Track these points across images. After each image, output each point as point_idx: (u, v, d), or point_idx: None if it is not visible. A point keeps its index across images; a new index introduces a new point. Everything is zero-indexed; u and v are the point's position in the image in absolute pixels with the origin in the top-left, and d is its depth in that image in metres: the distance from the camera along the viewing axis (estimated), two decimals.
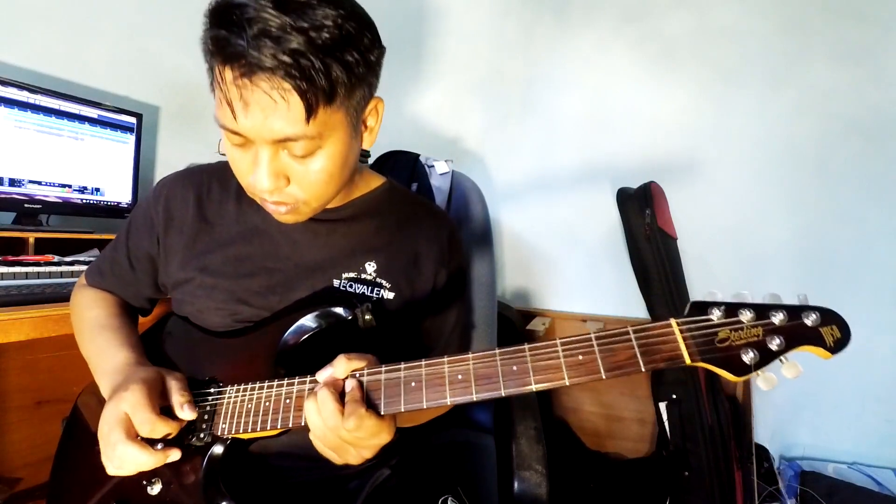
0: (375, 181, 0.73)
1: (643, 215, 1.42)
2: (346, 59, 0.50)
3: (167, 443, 0.54)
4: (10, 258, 0.95)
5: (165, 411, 0.54)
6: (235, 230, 0.67)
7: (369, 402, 0.49)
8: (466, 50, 1.89)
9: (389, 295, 0.66)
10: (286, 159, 0.54)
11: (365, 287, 0.66)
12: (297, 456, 0.50)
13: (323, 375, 0.51)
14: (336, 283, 0.65)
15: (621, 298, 1.69)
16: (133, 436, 0.51)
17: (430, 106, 1.93)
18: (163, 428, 0.52)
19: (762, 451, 1.44)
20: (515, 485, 0.84)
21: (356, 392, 0.49)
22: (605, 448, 1.68)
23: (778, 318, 0.42)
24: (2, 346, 0.94)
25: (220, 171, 0.72)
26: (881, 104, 1.47)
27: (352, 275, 0.66)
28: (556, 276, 1.80)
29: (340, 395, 0.49)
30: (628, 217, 1.47)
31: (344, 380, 0.51)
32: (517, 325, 1.62)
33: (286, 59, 0.46)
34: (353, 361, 0.51)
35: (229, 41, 0.47)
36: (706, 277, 1.59)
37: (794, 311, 0.42)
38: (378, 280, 0.66)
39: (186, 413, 0.53)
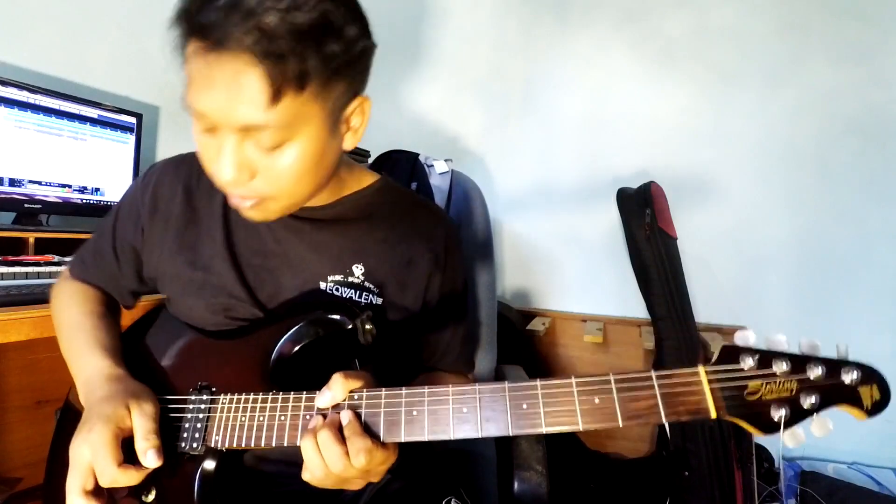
0: (368, 178, 0.69)
1: (643, 215, 1.42)
2: (325, 47, 0.46)
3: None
4: (10, 258, 0.95)
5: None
6: (223, 223, 0.64)
7: (369, 429, 0.47)
8: (466, 50, 1.89)
9: (378, 300, 0.63)
10: (252, 151, 0.50)
11: (352, 291, 0.62)
12: (294, 463, 0.49)
13: (322, 400, 0.49)
14: (322, 285, 0.62)
15: (621, 298, 1.69)
16: (87, 490, 0.48)
17: (429, 105, 1.93)
18: (124, 479, 0.48)
19: (762, 451, 1.44)
20: (515, 485, 0.83)
21: (355, 425, 0.46)
22: (605, 448, 1.68)
23: (815, 373, 0.39)
24: (2, 346, 0.94)
25: None
26: (881, 104, 1.47)
27: (338, 277, 0.62)
28: (556, 277, 1.80)
29: (338, 430, 0.46)
30: (628, 217, 1.47)
31: (338, 410, 0.48)
32: (517, 325, 1.62)
33: (254, 36, 0.43)
34: (351, 381, 0.49)
35: (198, 11, 0.45)
36: (706, 277, 1.60)
37: (833, 367, 0.39)
38: (366, 284, 0.63)
39: (150, 461, 0.49)
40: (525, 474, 0.83)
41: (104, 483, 0.49)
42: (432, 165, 1.15)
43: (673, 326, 1.36)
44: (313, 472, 0.47)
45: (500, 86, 1.85)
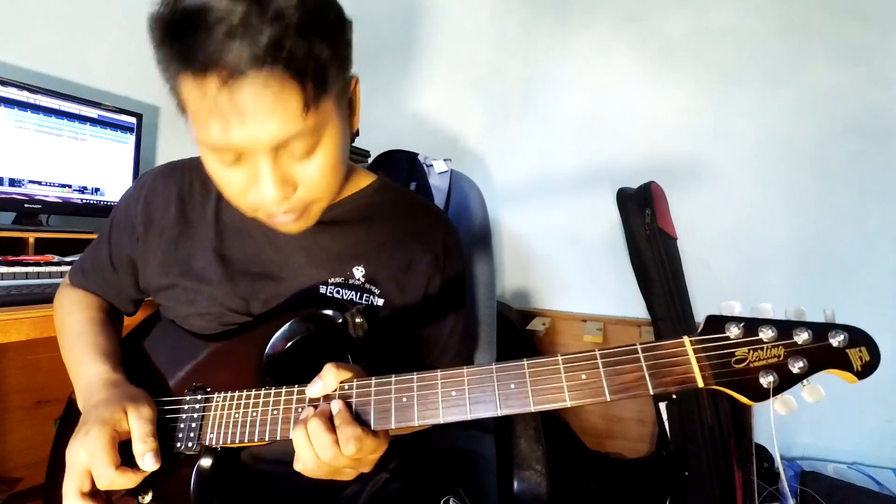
0: (366, 179, 0.69)
1: (643, 215, 1.42)
2: (327, 37, 0.46)
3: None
4: (10, 258, 0.95)
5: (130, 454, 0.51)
6: (216, 232, 0.64)
7: (359, 418, 0.47)
8: (466, 50, 1.89)
9: (379, 301, 0.63)
10: (288, 164, 0.50)
11: (353, 293, 0.62)
12: (290, 462, 0.49)
13: (313, 389, 0.49)
14: (322, 289, 0.62)
15: (621, 298, 1.69)
16: (84, 492, 0.49)
17: (429, 105, 1.93)
18: (122, 482, 0.49)
19: (762, 451, 1.44)
20: (515, 485, 0.84)
21: (345, 413, 0.47)
22: (605, 448, 1.68)
23: (802, 338, 0.39)
24: (2, 346, 0.94)
25: (202, 166, 0.67)
26: (881, 104, 1.47)
27: (339, 280, 0.62)
28: (556, 276, 1.80)
29: (328, 419, 0.47)
30: (628, 217, 1.47)
31: (329, 400, 0.48)
32: (517, 325, 1.62)
33: (267, 50, 0.42)
34: (342, 371, 0.49)
35: (197, 50, 0.42)
36: (706, 277, 1.60)
37: (820, 331, 0.39)
38: (367, 286, 0.63)
39: (148, 464, 0.49)
40: (525, 474, 0.84)
41: (102, 486, 0.49)
42: (431, 165, 1.15)
43: (673, 326, 1.36)
44: (304, 463, 0.47)
45: (500, 86, 1.85)
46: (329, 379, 0.49)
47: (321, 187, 0.53)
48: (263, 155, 0.48)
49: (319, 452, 0.46)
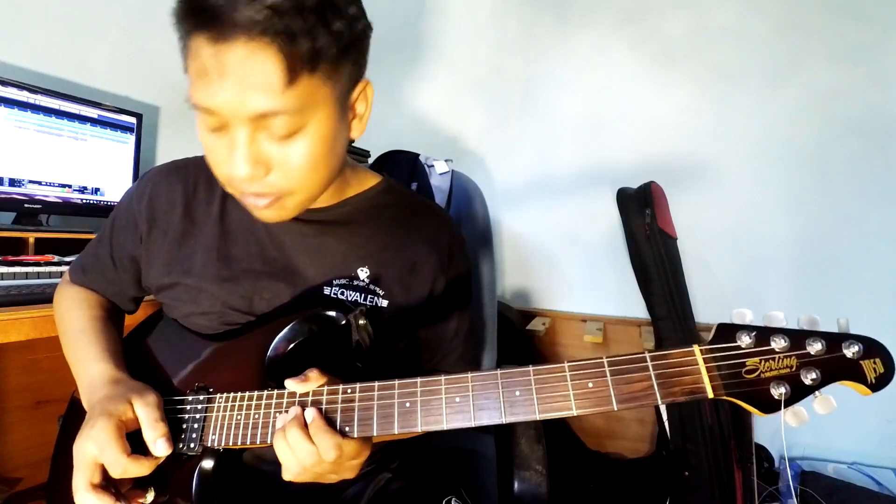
0: (371, 180, 0.69)
1: (643, 215, 1.42)
2: (332, 24, 0.46)
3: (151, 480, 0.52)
4: (10, 258, 0.95)
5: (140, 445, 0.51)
6: (220, 230, 0.64)
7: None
8: (466, 49, 1.89)
9: (383, 303, 0.63)
10: (266, 144, 0.49)
11: (358, 294, 0.62)
12: None
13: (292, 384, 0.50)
14: (327, 290, 0.62)
15: (621, 298, 1.69)
16: (94, 484, 0.48)
17: (430, 105, 1.93)
18: (135, 469, 0.49)
19: (762, 451, 1.44)
20: (516, 485, 0.83)
21: (319, 422, 0.47)
22: (605, 448, 1.68)
23: (815, 348, 0.38)
24: (2, 346, 0.94)
25: (207, 165, 0.68)
26: (881, 104, 1.47)
27: (343, 281, 0.62)
28: (556, 277, 1.80)
29: (304, 427, 0.47)
30: (628, 217, 1.47)
31: (303, 409, 0.48)
32: (517, 325, 1.62)
33: (265, 15, 0.43)
34: (324, 377, 0.50)
35: (205, 6, 0.44)
36: (706, 277, 1.60)
37: (834, 341, 0.38)
38: (372, 287, 0.62)
39: (160, 450, 0.50)
40: (525, 474, 0.83)
41: (115, 474, 0.49)
42: (433, 166, 1.15)
43: (673, 326, 1.36)
44: (291, 470, 0.48)
45: (500, 86, 1.85)
46: (313, 378, 0.50)
47: (297, 178, 0.52)
48: (241, 126, 0.48)
49: (302, 460, 0.46)
